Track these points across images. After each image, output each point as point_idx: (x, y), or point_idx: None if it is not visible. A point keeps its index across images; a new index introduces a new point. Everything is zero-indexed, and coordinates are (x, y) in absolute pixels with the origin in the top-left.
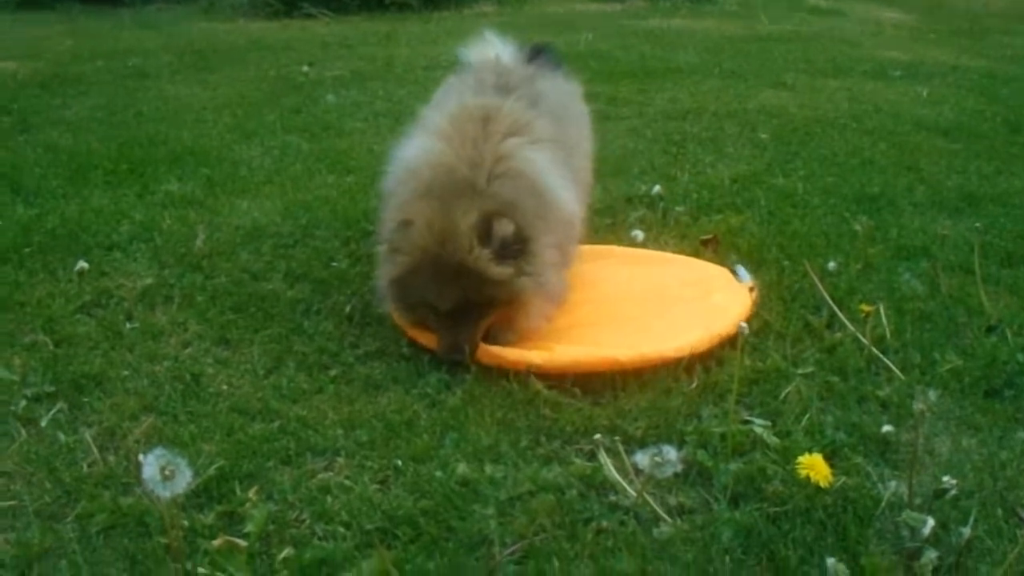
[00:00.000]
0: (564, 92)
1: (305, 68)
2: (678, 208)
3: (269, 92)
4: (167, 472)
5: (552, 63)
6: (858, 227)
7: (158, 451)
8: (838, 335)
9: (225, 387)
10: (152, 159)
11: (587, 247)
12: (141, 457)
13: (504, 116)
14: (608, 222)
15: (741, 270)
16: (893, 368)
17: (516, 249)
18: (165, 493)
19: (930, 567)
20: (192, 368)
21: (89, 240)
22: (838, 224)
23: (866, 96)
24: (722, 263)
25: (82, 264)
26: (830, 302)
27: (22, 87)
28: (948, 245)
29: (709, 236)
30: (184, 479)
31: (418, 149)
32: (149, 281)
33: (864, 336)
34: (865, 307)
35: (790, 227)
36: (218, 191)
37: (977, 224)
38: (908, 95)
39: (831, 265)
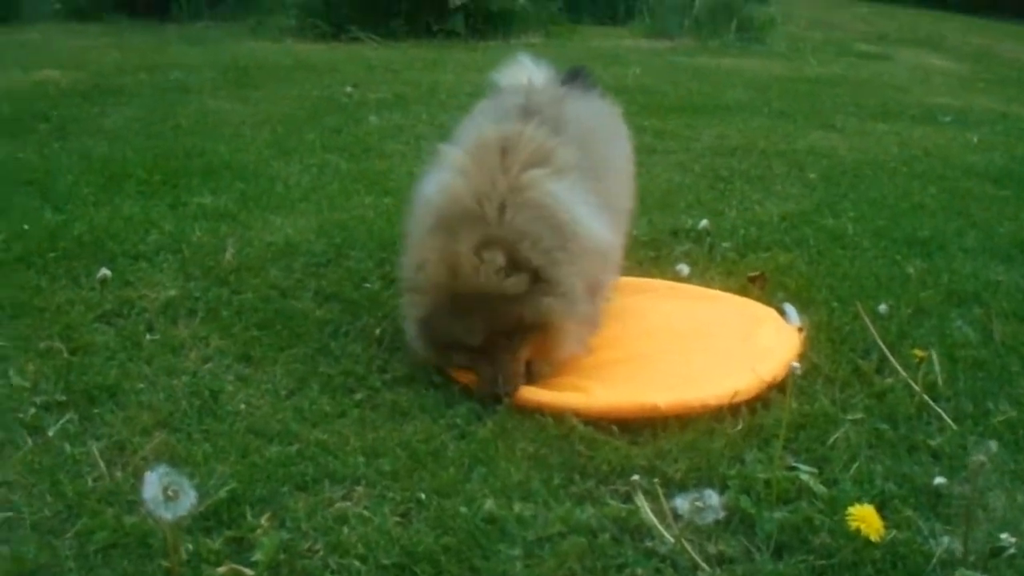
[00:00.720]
0: (597, 114)
1: (349, 89)
2: (724, 244)
3: (311, 111)
4: (170, 492)
5: (587, 84)
6: (911, 270)
7: (162, 469)
8: (888, 380)
9: (243, 406)
10: (187, 171)
11: (628, 280)
12: (146, 475)
13: (524, 145)
14: (652, 255)
15: (790, 309)
16: (945, 417)
17: (529, 268)
18: (167, 515)
19: None
20: (211, 384)
21: (115, 248)
22: (889, 267)
23: (915, 141)
24: (769, 302)
25: (105, 272)
26: (882, 346)
27: (63, 95)
28: (1002, 292)
29: (756, 273)
30: (188, 500)
31: (435, 185)
32: (173, 293)
33: (916, 383)
34: (918, 352)
35: (840, 268)
36: (252, 206)
37: None
38: (958, 141)
39: (882, 308)
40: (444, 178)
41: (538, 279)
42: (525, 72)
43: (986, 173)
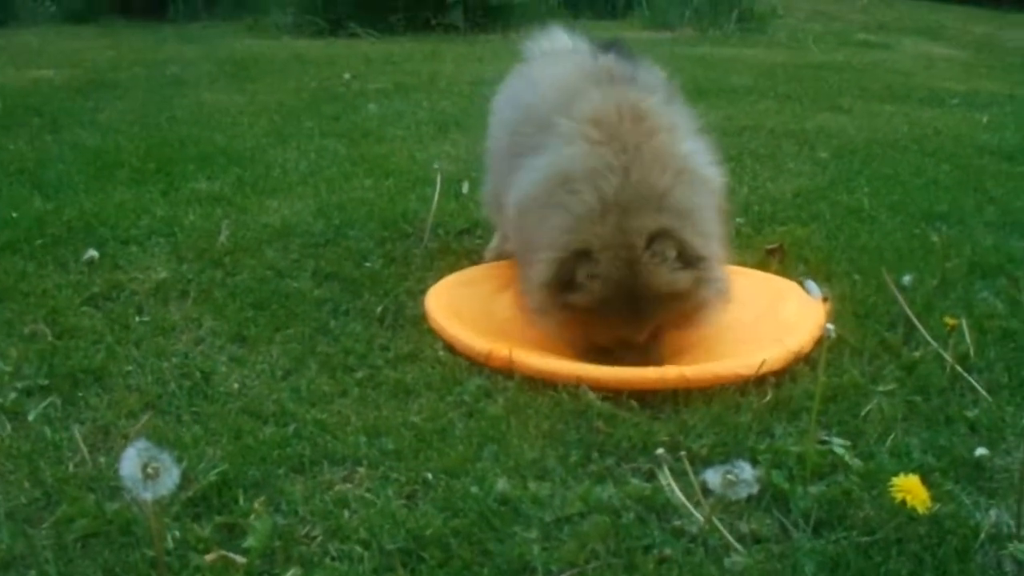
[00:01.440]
0: (663, 79)
1: (347, 76)
2: (739, 220)
3: (309, 101)
4: (150, 470)
5: (631, 54)
6: (936, 239)
7: (141, 444)
8: (917, 352)
9: (237, 387)
10: (181, 159)
11: None
12: (125, 451)
13: (654, 113)
14: None
15: (811, 284)
16: (979, 388)
17: (696, 258)
18: (146, 494)
19: None
20: (203, 366)
21: (106, 233)
22: (909, 239)
23: (925, 121)
24: (789, 275)
25: (92, 253)
26: (911, 316)
27: (57, 91)
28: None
29: (775, 245)
30: (171, 479)
31: (572, 158)
32: (164, 275)
33: (946, 354)
34: (950, 320)
35: (859, 241)
36: (248, 190)
37: None
38: (967, 121)
39: (906, 280)
40: (580, 151)
41: (700, 266)
42: (562, 40)
43: (999, 151)
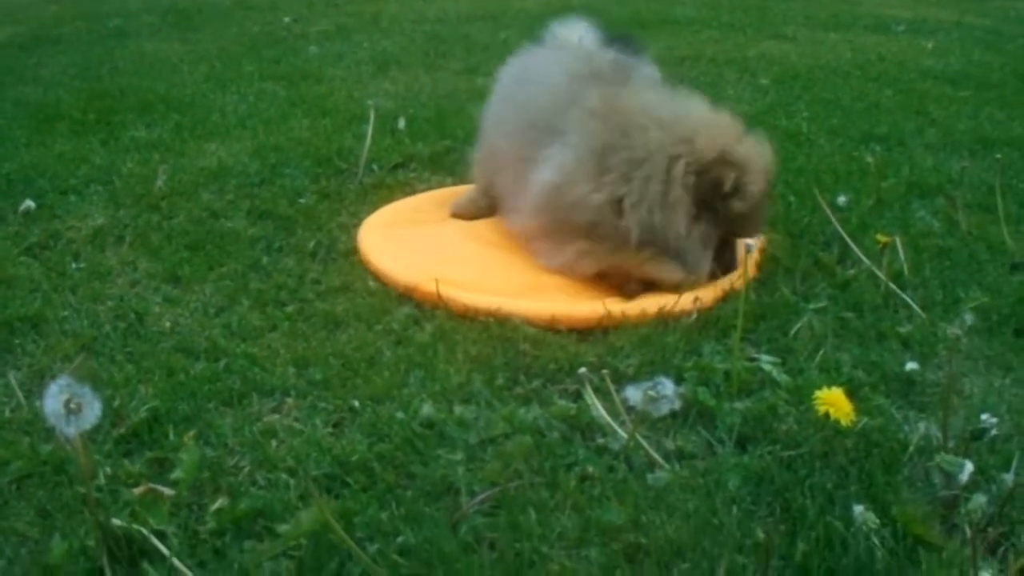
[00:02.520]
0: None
1: (287, 20)
2: None
3: (250, 46)
4: (72, 405)
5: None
6: (870, 159)
7: (63, 381)
8: (851, 271)
9: (169, 325)
10: (121, 108)
11: None
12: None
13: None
14: None
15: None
16: (913, 305)
17: None
18: (69, 430)
19: (978, 514)
20: (137, 307)
21: (44, 185)
22: (846, 161)
23: (869, 47)
24: None
25: (28, 204)
26: (843, 235)
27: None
28: (965, 183)
29: None
30: (93, 413)
31: (595, 134)
32: (101, 222)
33: (881, 271)
34: (882, 237)
35: (795, 163)
36: (186, 135)
37: (997, 163)
38: (912, 47)
39: (841, 200)
40: (600, 126)
41: None
42: (576, 33)
43: (943, 75)
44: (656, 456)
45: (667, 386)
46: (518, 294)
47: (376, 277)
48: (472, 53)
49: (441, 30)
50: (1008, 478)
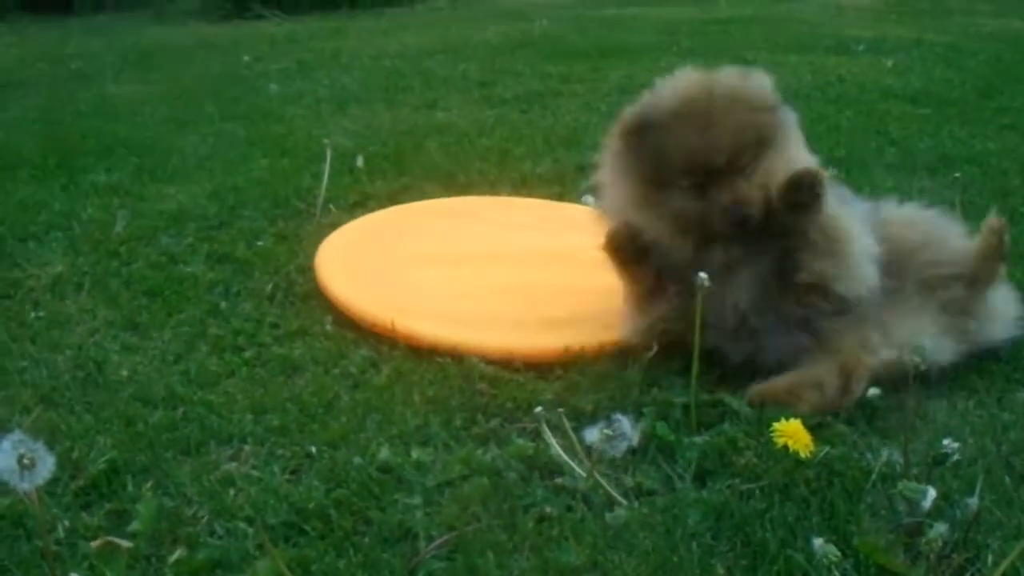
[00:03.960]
0: None
1: (247, 58)
2: None
3: (210, 85)
4: (26, 460)
5: None
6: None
7: (15, 437)
8: None
9: (127, 374)
10: (82, 152)
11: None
12: None
13: None
14: (557, 191)
15: None
16: None
17: None
18: (23, 485)
19: (939, 543)
20: (96, 356)
21: (4, 231)
22: None
23: (830, 69)
24: None
25: None
26: None
27: None
28: (927, 203)
29: None
30: (46, 468)
31: None
32: (61, 269)
33: None
34: None
35: None
36: (146, 179)
37: (956, 181)
38: (873, 67)
39: None
40: None
41: None
42: None
43: (903, 94)
44: (615, 494)
45: (624, 424)
46: (478, 326)
47: (334, 306)
48: (432, 87)
49: (401, 65)
50: (972, 502)
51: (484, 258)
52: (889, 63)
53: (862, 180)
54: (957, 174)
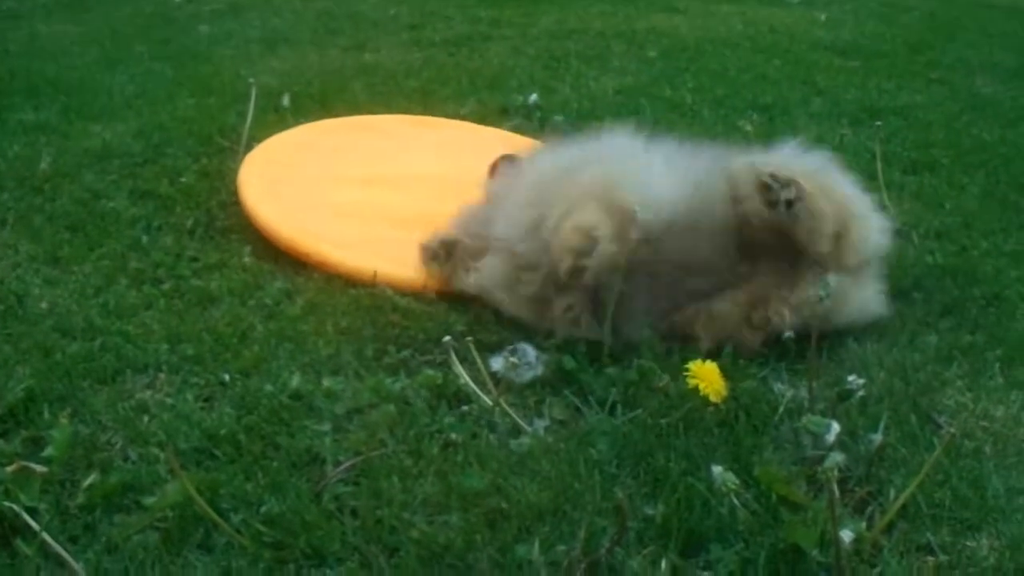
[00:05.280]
0: None
1: (178, 0)
2: (557, 117)
3: (142, 26)
4: None
5: None
6: (748, 127)
7: None
8: None
9: (47, 306)
10: (8, 91)
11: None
12: None
13: None
14: None
15: None
16: None
17: None
18: None
19: (835, 472)
20: (17, 289)
21: None
22: (728, 131)
23: (761, 19)
24: None
25: None
26: None
27: None
28: (848, 151)
29: None
30: None
31: None
32: None
33: None
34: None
35: (675, 131)
36: (72, 117)
37: (878, 131)
38: (805, 19)
39: None
40: None
41: None
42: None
43: (833, 47)
44: (520, 422)
45: (529, 353)
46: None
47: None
48: (361, 29)
49: (331, 7)
50: (876, 438)
51: (399, 180)
52: (822, 16)
53: (785, 128)
54: (879, 122)
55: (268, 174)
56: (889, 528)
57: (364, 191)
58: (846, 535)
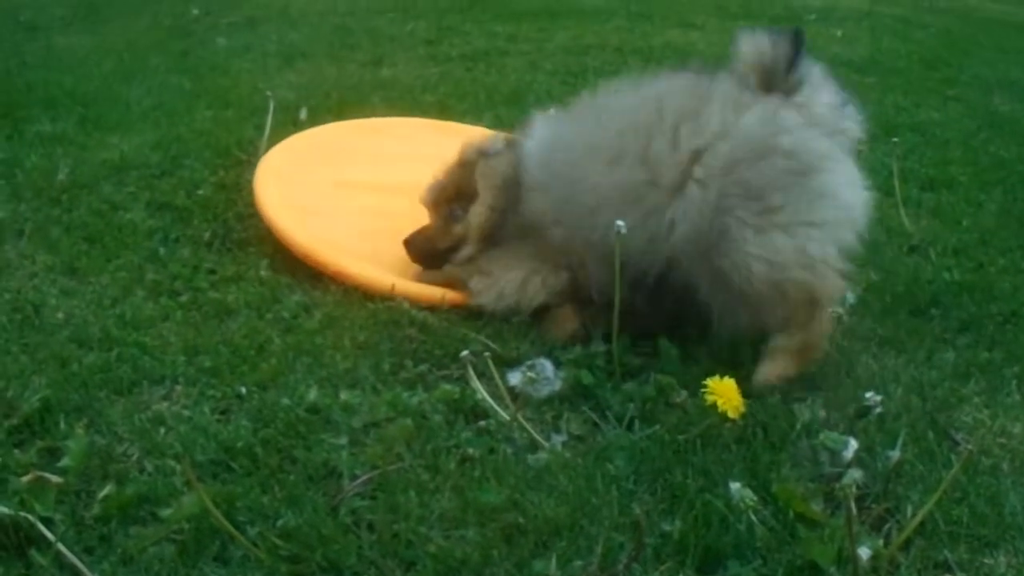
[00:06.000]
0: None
1: (195, 12)
2: None
3: (159, 39)
4: None
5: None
6: None
7: None
8: None
9: (64, 317)
10: (27, 103)
11: None
12: None
13: None
14: None
15: None
16: None
17: None
18: None
19: (853, 489)
20: (34, 299)
21: None
22: None
23: None
24: None
25: None
26: None
27: None
28: (865, 167)
29: None
30: None
31: None
32: (2, 216)
33: None
34: None
35: None
36: (91, 129)
37: (896, 147)
38: (822, 36)
39: None
40: None
41: None
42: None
43: (850, 63)
44: (537, 437)
45: (547, 368)
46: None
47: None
48: (379, 44)
49: (349, 21)
50: (893, 455)
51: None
52: (838, 32)
53: None
54: (896, 139)
55: (284, 175)
56: (907, 545)
57: (377, 197)
58: (864, 552)
